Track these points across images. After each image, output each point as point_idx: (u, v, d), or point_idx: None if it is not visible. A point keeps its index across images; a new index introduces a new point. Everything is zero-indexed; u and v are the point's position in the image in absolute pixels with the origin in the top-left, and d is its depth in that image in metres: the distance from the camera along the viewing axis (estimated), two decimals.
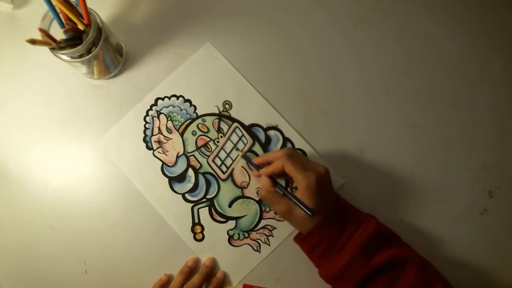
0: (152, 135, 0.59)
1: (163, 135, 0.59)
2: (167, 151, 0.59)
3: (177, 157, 0.59)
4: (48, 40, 0.48)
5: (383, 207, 0.58)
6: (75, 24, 0.50)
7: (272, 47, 0.62)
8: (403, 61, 0.62)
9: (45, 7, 0.48)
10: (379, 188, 0.59)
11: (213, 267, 0.57)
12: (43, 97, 0.60)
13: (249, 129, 0.59)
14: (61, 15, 0.49)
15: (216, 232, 0.58)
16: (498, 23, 0.63)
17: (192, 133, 0.59)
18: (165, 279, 0.56)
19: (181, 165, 0.59)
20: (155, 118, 0.59)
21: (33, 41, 0.45)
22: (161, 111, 0.59)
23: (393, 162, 0.59)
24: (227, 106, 0.59)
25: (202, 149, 0.59)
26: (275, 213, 0.58)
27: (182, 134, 0.59)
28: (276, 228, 0.58)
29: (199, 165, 0.59)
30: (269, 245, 0.57)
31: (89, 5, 0.49)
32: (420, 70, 0.61)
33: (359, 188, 0.58)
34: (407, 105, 0.61)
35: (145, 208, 0.58)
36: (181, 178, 0.58)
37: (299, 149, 0.59)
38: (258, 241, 0.57)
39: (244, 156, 0.58)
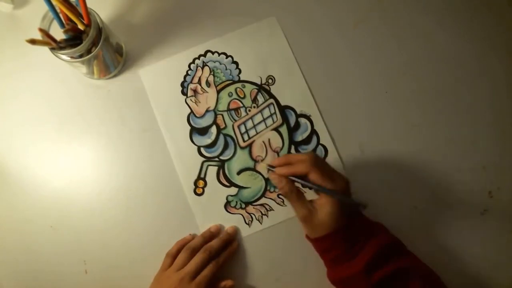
0: (191, 82, 0.60)
1: (201, 86, 0.60)
2: (199, 102, 0.60)
3: (207, 111, 0.60)
4: (48, 40, 0.48)
5: (383, 207, 0.58)
6: (75, 24, 0.50)
7: (273, 46, 0.62)
8: (403, 61, 0.62)
9: (45, 7, 0.48)
10: (380, 188, 0.58)
11: (234, 236, 0.57)
12: (43, 97, 0.60)
13: (283, 109, 0.60)
14: (61, 15, 0.49)
15: (217, 193, 0.58)
16: (498, 23, 0.63)
17: (228, 94, 0.60)
18: (189, 238, 0.56)
19: (208, 120, 0.60)
20: (199, 68, 0.61)
21: (33, 41, 0.45)
22: (207, 63, 0.61)
23: (393, 162, 0.59)
24: (270, 80, 0.61)
25: (232, 112, 0.60)
26: (297, 216, 0.50)
27: (218, 92, 0.60)
28: (273, 210, 0.58)
29: (224, 125, 0.60)
30: (261, 224, 0.58)
31: (89, 5, 0.49)
32: (420, 70, 0.61)
33: (359, 188, 0.58)
34: (407, 105, 0.61)
35: (145, 209, 0.58)
36: (203, 131, 0.59)
37: (322, 144, 0.59)
38: (252, 215, 0.58)
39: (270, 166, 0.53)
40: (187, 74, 0.61)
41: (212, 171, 0.59)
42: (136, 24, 0.62)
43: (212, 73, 0.61)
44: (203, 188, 0.58)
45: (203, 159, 0.59)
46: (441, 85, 0.61)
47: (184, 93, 0.60)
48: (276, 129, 0.60)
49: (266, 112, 0.60)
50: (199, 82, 0.60)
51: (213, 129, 0.59)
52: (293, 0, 0.63)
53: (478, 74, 0.61)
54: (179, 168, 0.58)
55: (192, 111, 0.60)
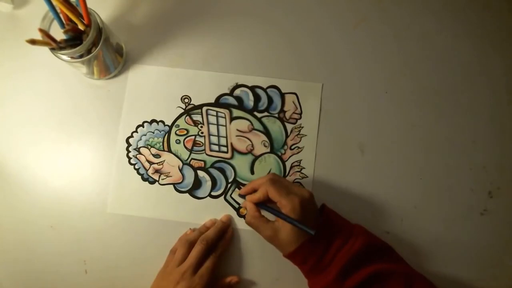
0: (146, 170, 0.59)
1: (155, 163, 0.59)
2: (169, 172, 0.59)
3: (181, 171, 0.59)
4: (48, 40, 0.48)
5: (383, 206, 0.58)
6: (75, 24, 0.50)
7: (273, 46, 0.62)
8: (403, 61, 0.62)
9: (45, 7, 0.48)
10: (379, 188, 0.58)
11: (229, 224, 0.57)
12: (43, 97, 0.60)
13: (218, 103, 0.60)
14: (61, 15, 0.49)
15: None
16: (498, 23, 0.63)
17: (176, 142, 0.59)
18: (190, 233, 0.57)
19: (190, 175, 0.59)
20: (138, 156, 0.59)
21: (33, 41, 0.45)
22: (138, 147, 0.59)
23: (393, 162, 0.59)
24: (186, 100, 0.60)
25: (195, 148, 0.59)
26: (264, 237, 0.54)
27: (170, 150, 0.59)
28: (302, 160, 0.59)
29: (203, 163, 0.59)
30: (307, 177, 0.59)
31: (89, 5, 0.49)
32: (420, 70, 0.61)
33: (359, 188, 0.58)
34: (407, 105, 0.61)
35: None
36: (197, 185, 0.59)
37: (291, 93, 0.60)
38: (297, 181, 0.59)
39: (240, 195, 0.58)
40: (135, 168, 0.59)
41: (234, 194, 0.59)
42: (136, 24, 0.62)
43: (149, 147, 0.59)
44: (245, 209, 0.57)
45: (221, 197, 0.59)
46: (441, 85, 0.61)
47: (150, 181, 0.58)
48: (232, 119, 0.60)
49: (212, 119, 0.60)
50: (150, 162, 0.59)
51: (201, 174, 0.59)
52: (296, 0, 0.63)
53: (478, 74, 0.61)
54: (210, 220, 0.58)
55: (173, 184, 0.59)
